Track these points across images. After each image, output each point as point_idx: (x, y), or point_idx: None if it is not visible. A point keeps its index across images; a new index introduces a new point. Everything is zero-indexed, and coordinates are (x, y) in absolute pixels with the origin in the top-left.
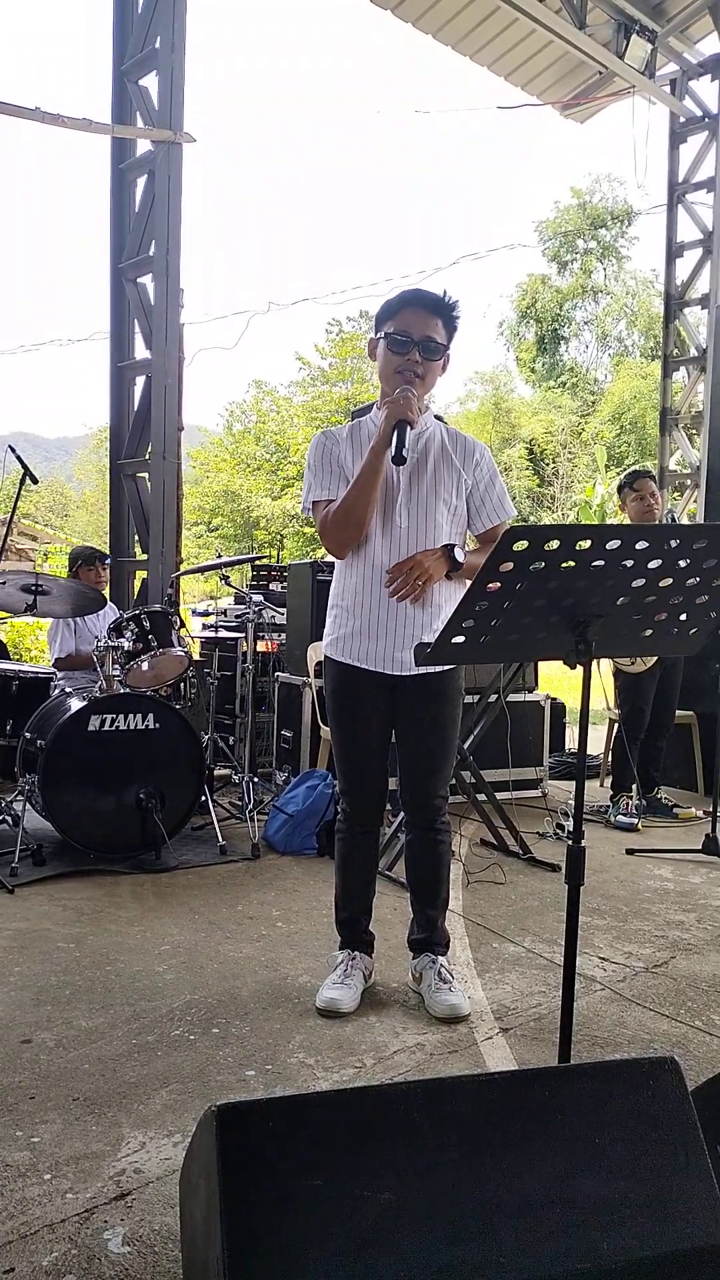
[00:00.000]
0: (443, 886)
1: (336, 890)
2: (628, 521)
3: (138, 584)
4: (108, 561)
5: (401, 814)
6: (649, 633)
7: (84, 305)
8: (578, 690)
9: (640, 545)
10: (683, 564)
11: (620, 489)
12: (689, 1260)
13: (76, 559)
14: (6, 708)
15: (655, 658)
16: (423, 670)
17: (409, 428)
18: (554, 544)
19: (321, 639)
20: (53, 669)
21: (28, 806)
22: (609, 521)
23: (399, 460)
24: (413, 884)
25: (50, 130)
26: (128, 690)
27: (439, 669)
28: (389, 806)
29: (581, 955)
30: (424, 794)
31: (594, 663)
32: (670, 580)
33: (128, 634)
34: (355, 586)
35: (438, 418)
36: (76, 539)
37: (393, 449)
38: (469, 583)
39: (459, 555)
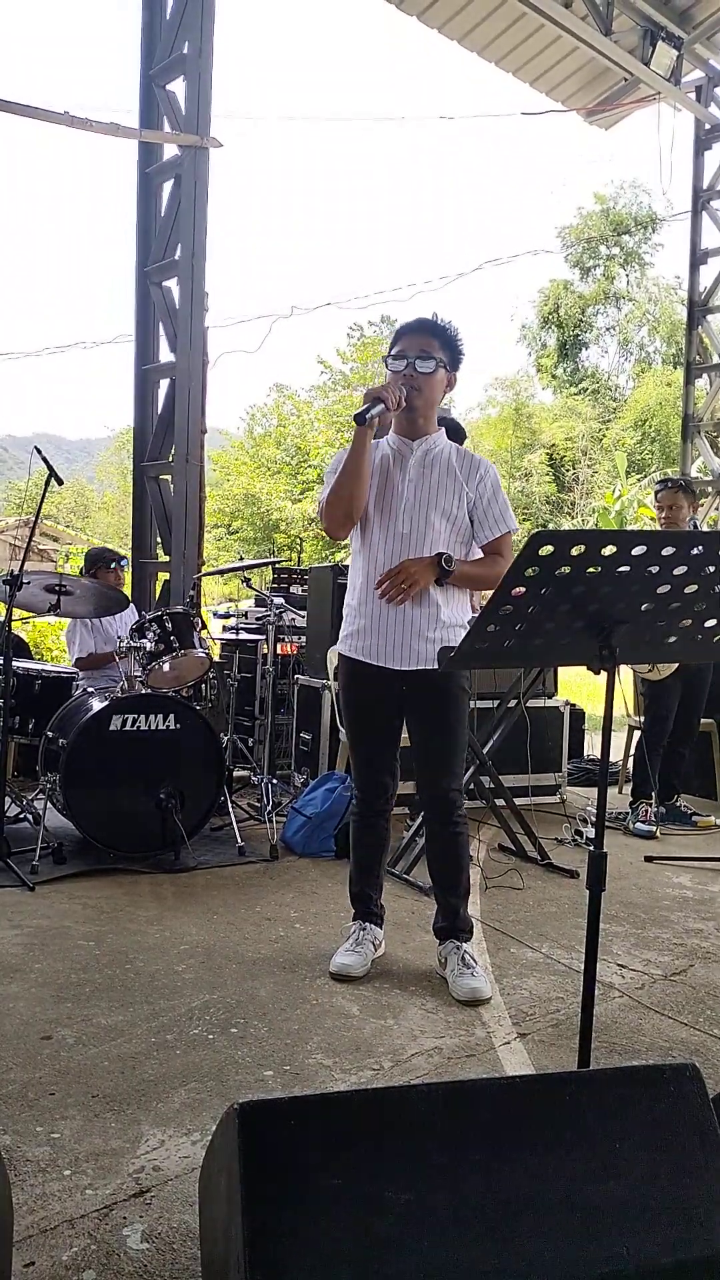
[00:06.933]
0: (463, 875)
1: (351, 866)
2: (657, 527)
3: (159, 585)
4: (124, 564)
5: (420, 816)
6: (674, 639)
7: (109, 308)
8: (597, 697)
9: (666, 551)
10: (709, 570)
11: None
12: (710, 1266)
13: (94, 561)
14: (29, 707)
15: (674, 666)
16: (426, 667)
17: (383, 405)
18: (579, 549)
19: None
20: (74, 669)
21: (49, 805)
22: (630, 527)
23: (360, 420)
24: (435, 875)
25: (78, 134)
26: (149, 691)
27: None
28: (408, 810)
29: (600, 962)
30: (436, 788)
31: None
32: (695, 586)
33: (150, 635)
34: (360, 586)
35: (454, 438)
36: (98, 540)
37: (361, 410)
38: (467, 590)
39: (450, 564)
